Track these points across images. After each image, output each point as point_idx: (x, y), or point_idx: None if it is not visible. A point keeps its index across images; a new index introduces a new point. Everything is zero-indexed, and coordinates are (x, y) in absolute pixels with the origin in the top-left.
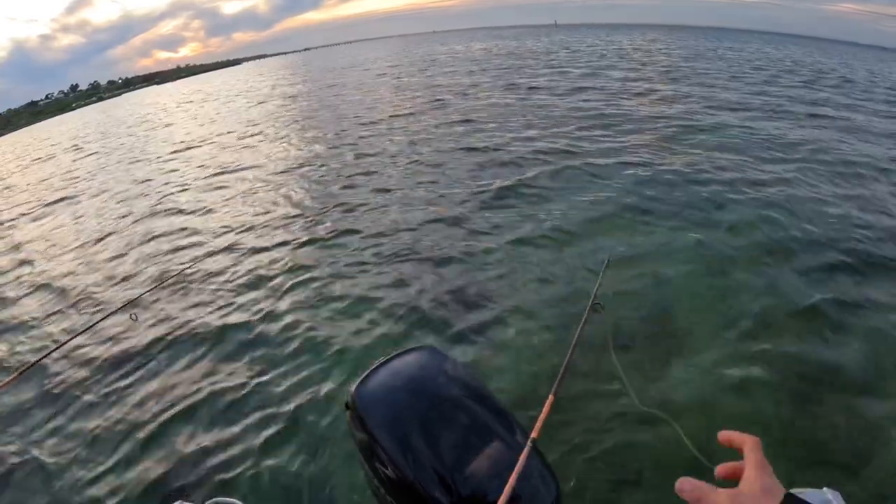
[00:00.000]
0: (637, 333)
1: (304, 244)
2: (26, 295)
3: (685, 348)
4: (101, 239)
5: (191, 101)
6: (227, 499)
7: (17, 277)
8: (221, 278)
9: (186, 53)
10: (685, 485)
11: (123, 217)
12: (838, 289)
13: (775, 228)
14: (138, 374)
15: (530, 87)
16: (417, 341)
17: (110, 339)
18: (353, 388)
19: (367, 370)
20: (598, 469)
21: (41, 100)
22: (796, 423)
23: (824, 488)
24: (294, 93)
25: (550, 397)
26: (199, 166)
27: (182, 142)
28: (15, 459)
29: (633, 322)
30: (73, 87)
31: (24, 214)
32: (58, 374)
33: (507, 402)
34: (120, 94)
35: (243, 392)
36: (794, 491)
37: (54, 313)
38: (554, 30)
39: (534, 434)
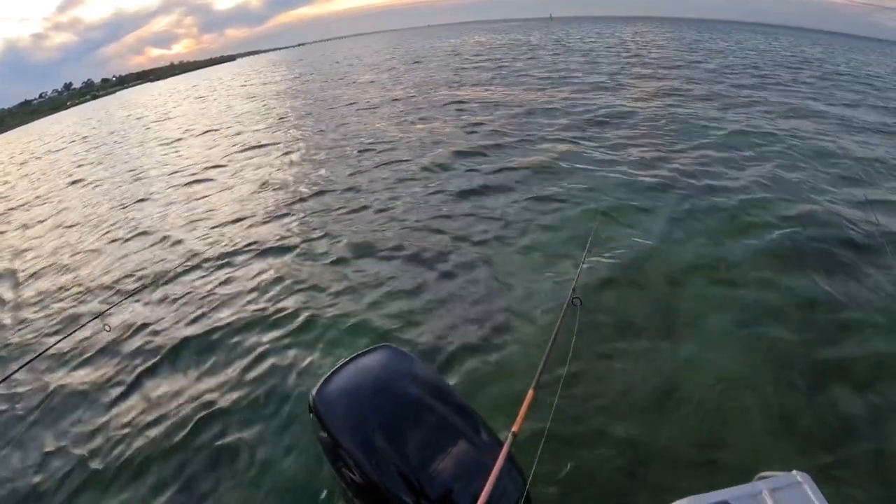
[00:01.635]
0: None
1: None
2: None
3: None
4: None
5: (185, 97)
6: None
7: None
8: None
9: (180, 50)
10: None
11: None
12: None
13: None
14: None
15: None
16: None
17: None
18: (314, 390)
19: (329, 372)
20: (585, 460)
21: (35, 99)
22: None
23: (793, 471)
24: (285, 88)
25: (531, 392)
26: (192, 159)
27: (177, 137)
28: None
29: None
30: (67, 86)
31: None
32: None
33: (489, 396)
34: (114, 92)
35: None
36: (763, 474)
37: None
38: (549, 23)
39: (514, 428)
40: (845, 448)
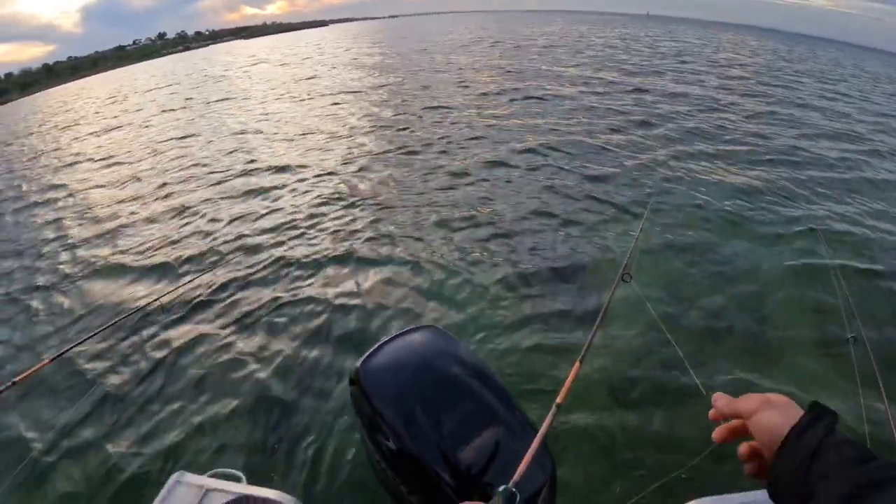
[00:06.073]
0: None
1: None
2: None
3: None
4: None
5: (280, 57)
6: (229, 470)
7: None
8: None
9: (274, 11)
10: (719, 400)
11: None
12: None
13: None
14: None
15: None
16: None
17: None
18: (358, 363)
19: (373, 346)
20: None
21: (129, 45)
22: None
23: None
24: (376, 62)
25: (577, 364)
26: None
27: (266, 97)
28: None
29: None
30: (161, 36)
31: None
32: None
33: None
34: (206, 46)
35: (250, 367)
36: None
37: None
38: (647, 20)
39: (559, 400)
40: None
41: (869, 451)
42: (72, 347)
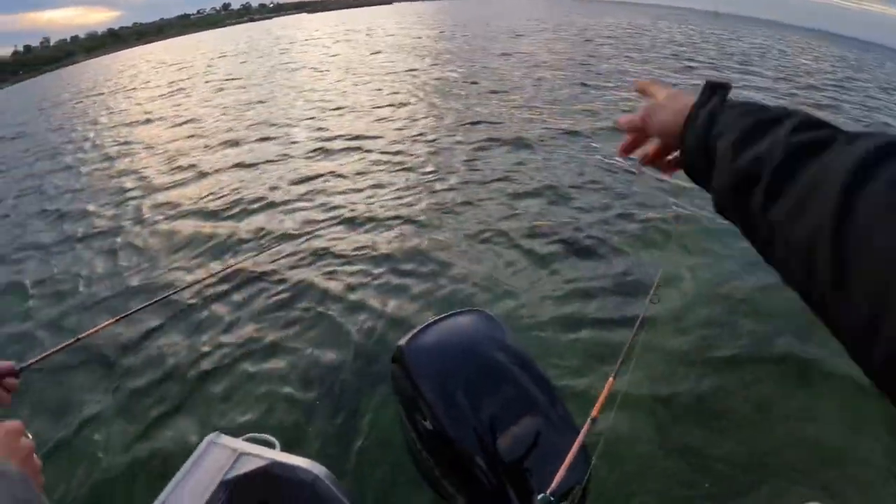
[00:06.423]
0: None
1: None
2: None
3: None
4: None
5: (345, 32)
6: (263, 435)
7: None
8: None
9: None
10: (622, 119)
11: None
12: None
13: None
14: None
15: None
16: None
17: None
18: (402, 341)
19: (419, 327)
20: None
21: (193, 14)
22: None
23: None
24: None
25: (611, 379)
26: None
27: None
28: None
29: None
30: (225, 6)
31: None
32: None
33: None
34: (270, 18)
35: (291, 338)
36: None
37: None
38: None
39: (594, 413)
40: None
41: (763, 105)
42: (139, 310)
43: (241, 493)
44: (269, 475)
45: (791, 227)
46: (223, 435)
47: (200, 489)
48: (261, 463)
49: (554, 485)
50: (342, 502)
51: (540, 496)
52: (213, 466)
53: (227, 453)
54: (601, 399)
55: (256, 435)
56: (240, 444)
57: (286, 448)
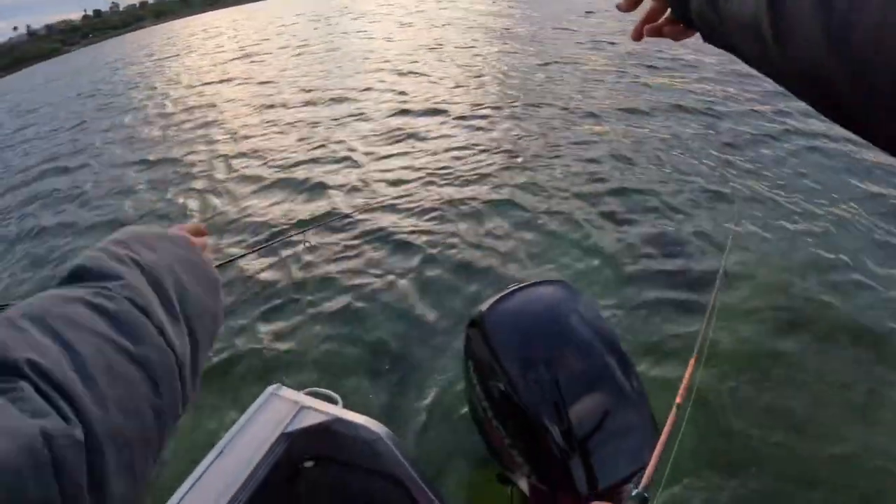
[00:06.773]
0: None
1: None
2: None
3: None
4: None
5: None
6: (325, 390)
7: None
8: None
9: None
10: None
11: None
12: None
13: None
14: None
15: None
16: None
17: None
18: (483, 307)
19: (500, 293)
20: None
21: None
22: None
23: None
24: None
25: (692, 361)
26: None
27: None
28: None
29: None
30: None
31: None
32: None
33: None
34: None
35: (364, 298)
36: None
37: None
38: None
39: (678, 399)
40: None
41: None
42: (234, 259)
43: (300, 447)
44: (330, 431)
45: (741, 12)
46: (284, 387)
47: (259, 440)
48: (322, 418)
49: (645, 479)
50: (403, 464)
51: (634, 492)
52: (274, 418)
53: (288, 406)
54: (685, 383)
55: (318, 389)
56: (301, 397)
57: (348, 405)
